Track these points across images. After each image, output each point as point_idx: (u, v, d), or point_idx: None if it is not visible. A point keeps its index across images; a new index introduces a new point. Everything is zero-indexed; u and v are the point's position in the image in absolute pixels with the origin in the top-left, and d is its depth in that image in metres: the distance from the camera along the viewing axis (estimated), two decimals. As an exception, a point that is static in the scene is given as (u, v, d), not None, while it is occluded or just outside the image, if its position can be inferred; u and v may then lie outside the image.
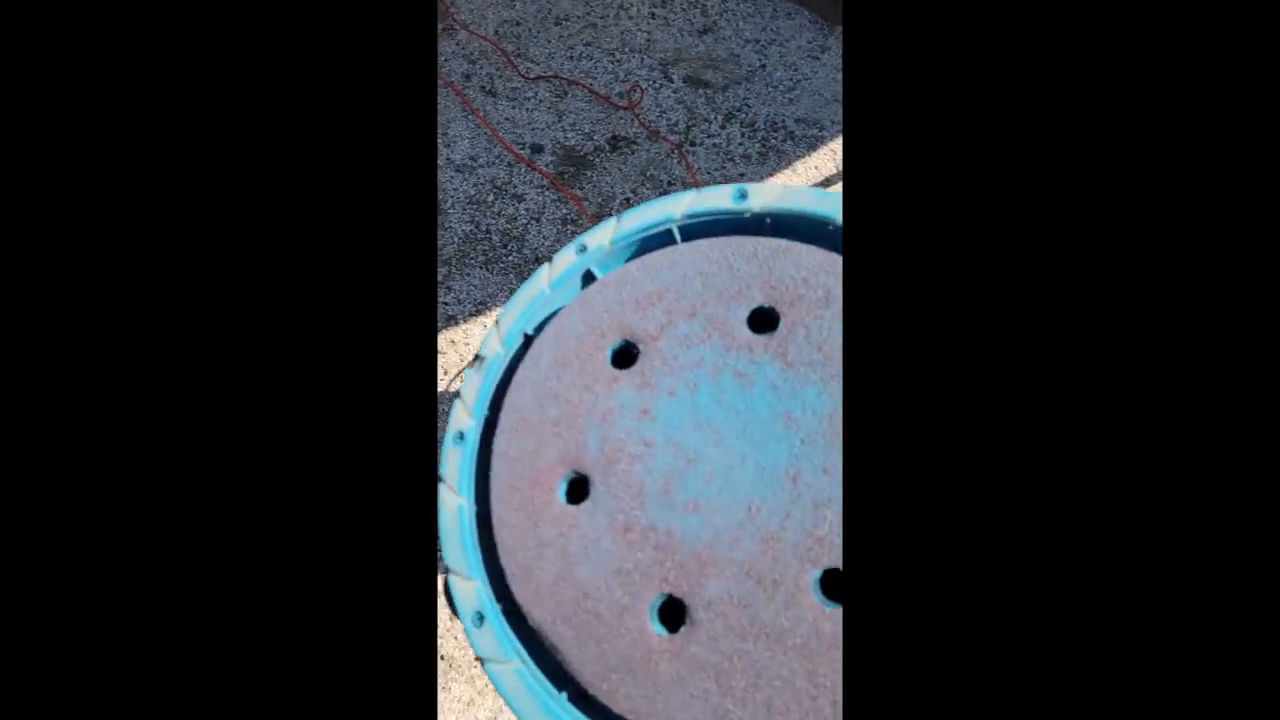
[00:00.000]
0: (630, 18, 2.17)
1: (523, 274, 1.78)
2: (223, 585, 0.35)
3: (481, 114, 1.96)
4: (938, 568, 0.33)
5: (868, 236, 0.35)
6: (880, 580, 0.32)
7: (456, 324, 1.73)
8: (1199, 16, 0.33)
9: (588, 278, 0.49)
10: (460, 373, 1.67)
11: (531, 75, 2.04)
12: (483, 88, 2.01)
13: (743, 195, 0.45)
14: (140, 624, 0.35)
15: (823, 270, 0.40)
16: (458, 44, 2.13)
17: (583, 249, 0.50)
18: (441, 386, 1.64)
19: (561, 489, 0.46)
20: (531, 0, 2.17)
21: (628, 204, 1.91)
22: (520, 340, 0.50)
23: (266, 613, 0.36)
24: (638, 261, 0.45)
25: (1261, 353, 0.32)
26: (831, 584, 0.40)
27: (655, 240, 0.48)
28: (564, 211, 1.87)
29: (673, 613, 0.42)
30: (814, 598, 0.39)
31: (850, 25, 0.35)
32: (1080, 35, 0.33)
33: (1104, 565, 0.32)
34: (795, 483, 0.39)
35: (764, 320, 0.42)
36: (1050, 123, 0.32)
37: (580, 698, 0.44)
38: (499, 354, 0.49)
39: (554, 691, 0.44)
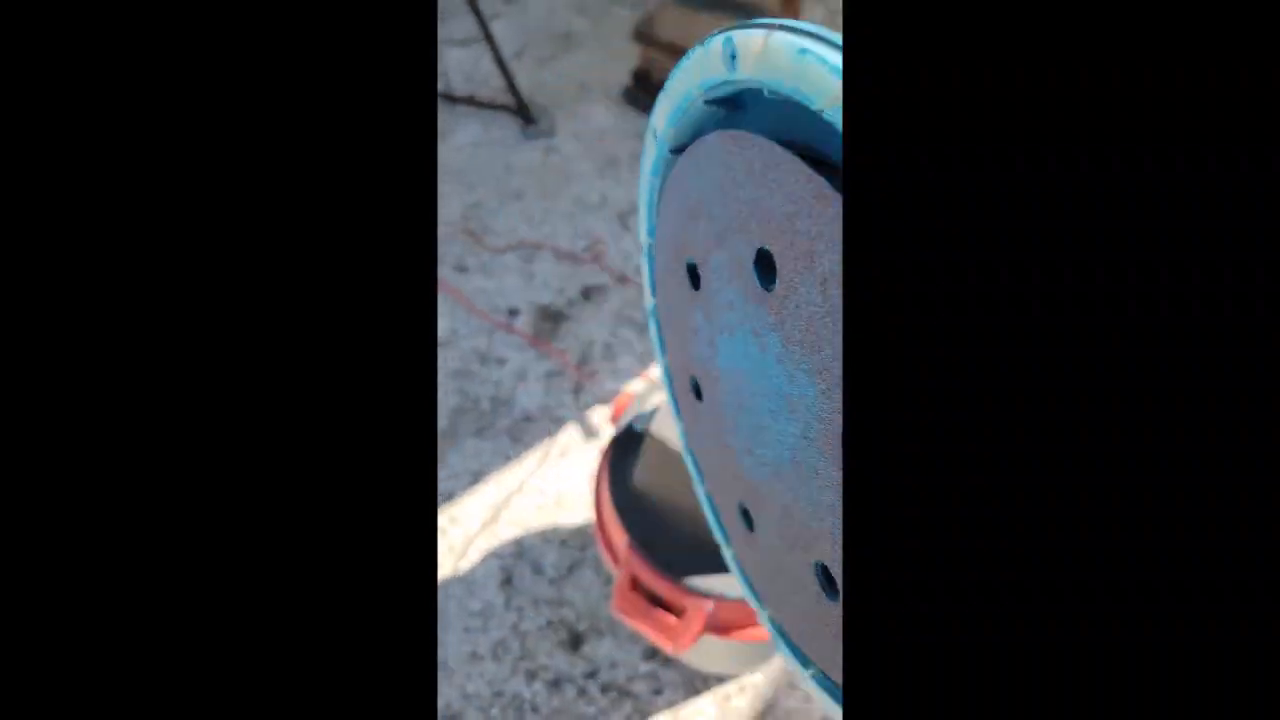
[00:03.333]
0: (580, 183, 2.30)
1: (515, 436, 1.78)
2: (199, 618, 0.34)
3: (456, 290, 2.04)
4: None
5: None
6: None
7: (455, 499, 1.70)
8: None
9: (668, 165, 0.45)
10: (472, 540, 1.62)
11: (499, 246, 2.14)
12: (454, 266, 2.10)
13: (733, 56, 0.36)
14: (134, 621, 0.33)
15: (806, 209, 0.33)
16: (425, 232, 2.24)
17: (655, 134, 0.45)
18: (448, 568, 1.58)
19: (690, 384, 0.50)
20: (490, 183, 2.31)
21: (608, 348, 1.94)
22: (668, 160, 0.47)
23: (250, 652, 0.34)
24: (681, 160, 0.42)
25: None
26: (823, 577, 0.38)
27: (694, 124, 0.42)
28: (548, 366, 1.90)
29: (746, 517, 0.46)
30: (815, 583, 0.38)
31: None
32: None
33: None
34: (799, 470, 0.37)
35: (766, 268, 0.37)
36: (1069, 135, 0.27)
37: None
38: (651, 180, 0.49)
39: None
